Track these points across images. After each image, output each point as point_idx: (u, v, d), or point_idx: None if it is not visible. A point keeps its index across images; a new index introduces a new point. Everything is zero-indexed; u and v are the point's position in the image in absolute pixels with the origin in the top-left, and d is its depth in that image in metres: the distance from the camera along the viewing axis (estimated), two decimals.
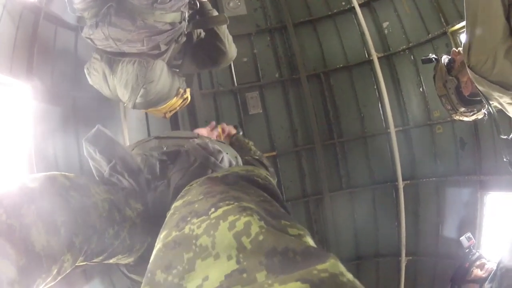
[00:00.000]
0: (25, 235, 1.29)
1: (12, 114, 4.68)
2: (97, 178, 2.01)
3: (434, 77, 3.13)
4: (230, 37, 3.55)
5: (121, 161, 1.91)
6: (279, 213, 1.24)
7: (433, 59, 3.15)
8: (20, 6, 4.76)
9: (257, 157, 2.99)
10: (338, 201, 7.81)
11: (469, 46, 2.23)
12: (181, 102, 3.61)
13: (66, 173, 1.66)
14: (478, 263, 4.66)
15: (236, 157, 2.60)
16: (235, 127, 3.47)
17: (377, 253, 7.84)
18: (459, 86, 2.90)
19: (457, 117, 3.17)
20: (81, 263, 1.62)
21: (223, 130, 3.36)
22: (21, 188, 1.40)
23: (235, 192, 1.31)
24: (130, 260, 1.91)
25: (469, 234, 5.00)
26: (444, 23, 6.65)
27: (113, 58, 3.12)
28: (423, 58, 3.22)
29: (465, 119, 3.14)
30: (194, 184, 1.51)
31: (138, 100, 3.18)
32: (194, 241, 1.06)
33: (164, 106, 3.49)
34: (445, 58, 3.06)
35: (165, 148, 2.29)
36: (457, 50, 2.97)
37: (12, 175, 4.45)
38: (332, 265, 0.76)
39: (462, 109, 3.01)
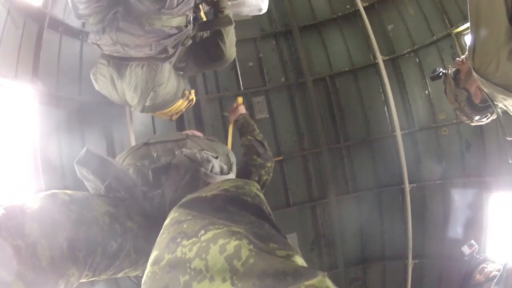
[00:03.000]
0: (31, 252, 1.36)
1: (19, 118, 4.71)
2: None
3: (445, 92, 3.15)
4: (234, 39, 3.55)
5: (115, 179, 1.96)
6: (268, 235, 1.30)
7: (441, 74, 3.16)
8: (24, 11, 4.80)
9: (259, 139, 3.11)
10: (345, 204, 7.81)
11: (473, 49, 2.24)
12: (187, 104, 3.63)
13: (66, 190, 1.71)
14: (479, 268, 4.66)
15: (227, 155, 2.68)
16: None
17: (384, 256, 7.83)
18: (469, 96, 2.91)
19: (473, 124, 3.20)
20: (90, 279, 1.67)
21: (236, 105, 3.55)
22: (23, 209, 1.45)
23: (224, 216, 1.37)
24: (137, 272, 1.96)
25: (471, 242, 5.00)
26: (449, 25, 6.65)
27: (120, 63, 3.11)
28: (432, 75, 3.23)
29: (482, 123, 3.16)
30: (183, 202, 1.56)
31: (148, 103, 3.19)
32: (188, 265, 1.12)
33: (171, 108, 3.51)
34: (451, 70, 3.08)
35: (155, 155, 2.36)
36: (460, 59, 2.98)
37: (18, 180, 4.51)
38: (319, 281, 0.82)
39: (477, 117, 3.03)
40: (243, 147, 3.13)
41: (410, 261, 7.19)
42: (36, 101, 4.84)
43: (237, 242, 1.09)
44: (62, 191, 1.67)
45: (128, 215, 1.85)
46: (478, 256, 4.89)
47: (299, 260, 1.09)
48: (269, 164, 2.99)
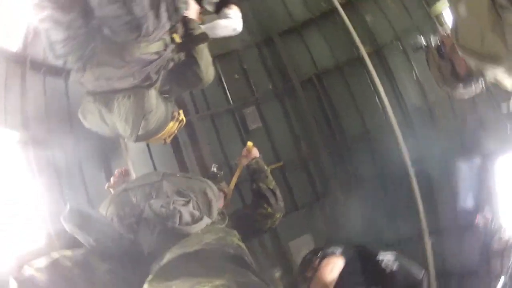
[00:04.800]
0: None
1: (12, 165, 4.69)
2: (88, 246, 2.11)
3: (428, 64, 3.12)
4: (210, 59, 3.51)
5: (100, 234, 2.03)
6: (250, 282, 1.42)
7: (423, 45, 3.14)
8: (5, 56, 4.82)
9: (271, 188, 3.06)
10: (352, 199, 7.75)
11: (456, 25, 2.23)
12: (178, 125, 3.62)
13: (65, 253, 1.85)
14: (496, 238, 4.66)
15: (205, 192, 2.63)
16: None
17: (400, 242, 7.74)
18: (453, 68, 2.89)
19: (458, 96, 3.17)
20: None
21: (248, 150, 3.48)
22: (34, 282, 1.59)
23: (207, 271, 1.47)
24: None
25: (484, 212, 5.00)
26: (426, 7, 6.67)
27: (107, 97, 3.07)
28: (414, 47, 3.22)
29: (466, 96, 3.14)
30: (168, 256, 1.74)
31: (140, 132, 3.14)
32: None
33: (163, 132, 3.50)
34: (434, 42, 3.06)
35: (134, 200, 2.40)
36: (444, 33, 2.97)
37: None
38: None
39: (462, 90, 3.01)
40: (253, 192, 3.12)
41: (427, 240, 7.12)
42: (29, 145, 4.82)
43: None
44: (62, 255, 1.83)
45: (123, 267, 1.97)
46: (493, 224, 4.88)
47: None
48: (278, 215, 2.99)
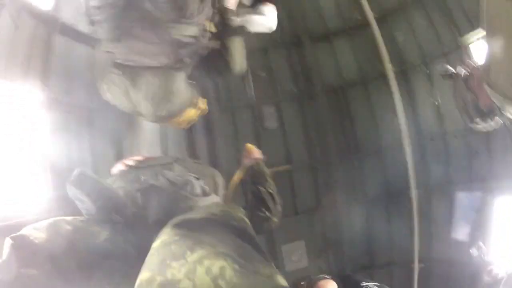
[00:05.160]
0: (45, 280, 1.45)
1: (27, 123, 4.67)
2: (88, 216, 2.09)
3: (454, 92, 3.17)
4: (244, 52, 3.48)
5: (107, 200, 2.01)
6: (252, 255, 1.37)
7: (452, 74, 3.18)
8: (34, 15, 4.75)
9: (270, 191, 2.95)
10: (352, 211, 7.84)
11: (489, 64, 2.25)
12: (199, 113, 3.58)
13: (66, 217, 1.80)
14: (487, 269, 4.69)
15: (213, 176, 2.68)
16: None
17: (390, 261, 7.81)
18: (476, 99, 2.94)
19: (475, 128, 3.22)
20: None
21: (248, 152, 3.35)
22: (31, 239, 1.54)
23: (210, 237, 1.42)
24: None
25: (479, 243, 5.03)
26: (458, 36, 6.68)
27: (134, 72, 3.00)
28: (442, 73, 3.25)
29: (483, 130, 3.19)
30: (171, 223, 1.63)
31: (162, 113, 3.12)
32: (177, 285, 1.20)
33: (184, 117, 3.47)
34: (463, 72, 3.10)
35: (143, 179, 2.38)
36: (473, 64, 3.00)
37: (25, 186, 4.53)
38: None
39: (480, 122, 3.05)
40: (251, 194, 3.00)
41: (417, 265, 7.16)
42: (46, 107, 4.82)
43: (222, 263, 1.18)
44: (62, 218, 1.77)
45: (124, 238, 1.92)
46: (485, 258, 4.92)
47: (281, 280, 1.18)
48: (275, 220, 2.88)
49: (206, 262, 1.20)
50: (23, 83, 4.55)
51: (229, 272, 1.13)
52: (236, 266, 1.15)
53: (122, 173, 2.62)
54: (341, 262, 7.87)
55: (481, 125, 3.08)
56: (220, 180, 2.79)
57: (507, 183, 6.08)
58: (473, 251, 4.97)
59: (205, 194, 2.39)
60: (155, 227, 1.70)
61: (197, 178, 2.46)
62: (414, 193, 7.01)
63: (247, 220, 1.77)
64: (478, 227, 6.52)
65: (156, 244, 1.49)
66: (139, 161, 2.77)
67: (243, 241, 1.48)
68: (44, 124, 4.82)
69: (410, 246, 7.14)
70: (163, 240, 1.47)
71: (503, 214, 6.33)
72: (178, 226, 1.57)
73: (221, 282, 1.11)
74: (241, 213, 1.77)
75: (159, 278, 1.26)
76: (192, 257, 1.25)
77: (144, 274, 1.35)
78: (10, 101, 4.45)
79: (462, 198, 6.93)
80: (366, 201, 7.92)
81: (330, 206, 7.93)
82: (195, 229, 1.52)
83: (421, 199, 7.20)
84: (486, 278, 4.63)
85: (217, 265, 1.17)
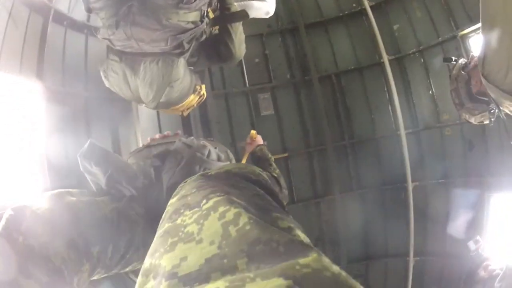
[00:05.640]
0: (44, 253, 1.38)
1: (23, 113, 4.65)
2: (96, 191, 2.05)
3: (450, 76, 3.22)
4: (243, 36, 3.44)
5: (117, 170, 1.97)
6: (270, 206, 1.29)
7: (455, 60, 3.24)
8: (28, 5, 4.73)
9: (275, 175, 2.94)
10: (348, 201, 7.89)
11: (484, 55, 2.27)
12: (198, 99, 3.58)
13: (70, 190, 1.75)
14: (484, 264, 4.72)
15: (226, 151, 2.61)
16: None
17: (386, 254, 7.91)
18: (469, 82, 2.98)
19: (463, 115, 3.26)
20: (100, 276, 1.70)
21: (251, 139, 3.44)
22: (32, 209, 1.47)
23: (227, 186, 1.34)
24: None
25: (477, 238, 5.06)
26: (454, 27, 6.70)
27: (134, 59, 3.00)
28: (445, 57, 3.30)
29: (471, 119, 3.22)
30: (188, 180, 1.55)
31: (163, 99, 3.10)
32: (182, 229, 1.12)
33: (183, 104, 3.46)
34: (462, 60, 3.16)
35: (155, 152, 2.35)
36: (475, 56, 3.04)
37: (22, 177, 4.50)
38: (315, 259, 0.79)
39: (469, 105, 3.09)
40: None
41: (412, 259, 7.25)
42: (41, 97, 4.80)
43: (237, 209, 1.08)
44: (66, 190, 1.71)
45: (133, 210, 1.87)
46: (482, 253, 4.96)
47: (301, 235, 1.06)
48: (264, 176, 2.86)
49: (221, 209, 1.11)
50: (19, 73, 4.53)
51: (243, 219, 1.03)
52: (252, 215, 1.05)
53: (134, 152, 2.58)
54: (337, 252, 7.93)
55: (470, 116, 3.13)
56: (232, 156, 2.74)
57: (504, 180, 6.13)
58: (471, 245, 5.00)
59: (220, 160, 2.36)
60: (168, 194, 1.64)
61: (214, 147, 2.41)
62: (410, 185, 7.09)
63: (264, 175, 1.72)
64: (473, 224, 6.61)
65: (172, 200, 1.42)
66: (154, 139, 2.72)
67: (261, 193, 1.42)
68: (39, 115, 4.79)
69: (405, 239, 7.25)
70: (181, 194, 1.40)
71: (498, 211, 6.40)
72: (195, 180, 1.50)
73: (231, 229, 1.01)
74: (258, 170, 1.72)
75: (167, 225, 1.21)
76: (207, 204, 1.17)
77: (158, 230, 1.28)
78: (4, 91, 4.40)
79: (458, 193, 6.98)
80: (362, 191, 7.99)
81: (326, 196, 7.98)
82: (213, 180, 1.45)
83: (417, 191, 7.28)
84: (481, 273, 4.66)
85: (232, 211, 1.08)
